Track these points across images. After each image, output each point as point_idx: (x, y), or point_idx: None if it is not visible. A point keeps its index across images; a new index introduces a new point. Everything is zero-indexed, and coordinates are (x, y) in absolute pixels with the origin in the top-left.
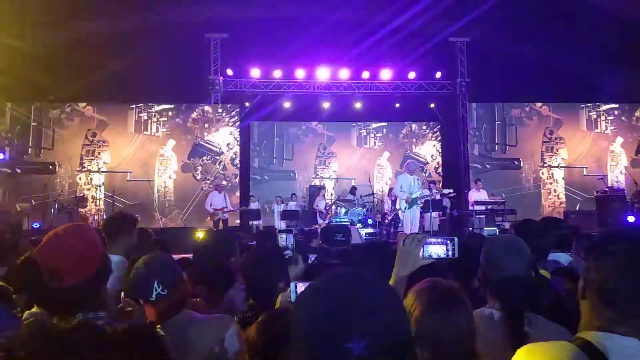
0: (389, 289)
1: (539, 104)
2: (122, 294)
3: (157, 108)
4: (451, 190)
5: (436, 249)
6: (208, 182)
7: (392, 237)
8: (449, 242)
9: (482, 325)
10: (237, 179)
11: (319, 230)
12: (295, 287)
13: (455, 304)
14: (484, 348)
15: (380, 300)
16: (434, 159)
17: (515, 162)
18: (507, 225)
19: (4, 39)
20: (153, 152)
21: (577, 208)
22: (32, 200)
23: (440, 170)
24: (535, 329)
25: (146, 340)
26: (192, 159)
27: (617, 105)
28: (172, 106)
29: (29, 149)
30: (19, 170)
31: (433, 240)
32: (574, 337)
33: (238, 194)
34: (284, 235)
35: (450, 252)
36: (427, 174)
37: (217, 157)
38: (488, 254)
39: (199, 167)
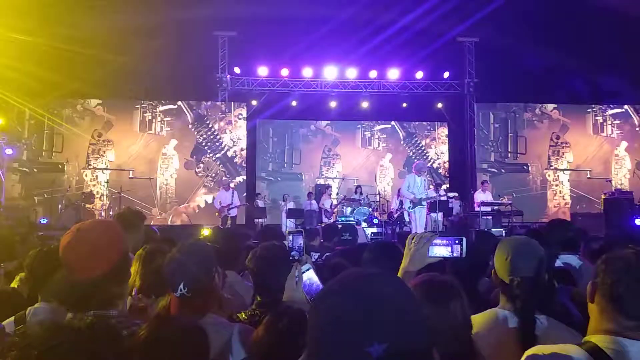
0: (409, 291)
1: (549, 107)
2: (134, 290)
3: (162, 108)
4: (456, 194)
5: (444, 249)
6: (209, 178)
7: (397, 237)
8: (457, 242)
9: (493, 326)
10: (241, 177)
11: (320, 228)
12: (296, 269)
13: (451, 296)
14: (494, 348)
15: (401, 303)
16: (438, 160)
17: (524, 167)
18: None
19: (16, 35)
20: (157, 150)
21: (567, 203)
22: (45, 194)
23: (441, 170)
24: (546, 331)
25: (192, 333)
26: (194, 157)
27: (623, 110)
28: (176, 106)
29: (43, 152)
30: (35, 170)
31: (441, 240)
32: (582, 341)
33: (244, 192)
34: (291, 237)
35: (457, 252)
36: (429, 175)
37: (219, 155)
38: (501, 254)
39: (201, 165)
